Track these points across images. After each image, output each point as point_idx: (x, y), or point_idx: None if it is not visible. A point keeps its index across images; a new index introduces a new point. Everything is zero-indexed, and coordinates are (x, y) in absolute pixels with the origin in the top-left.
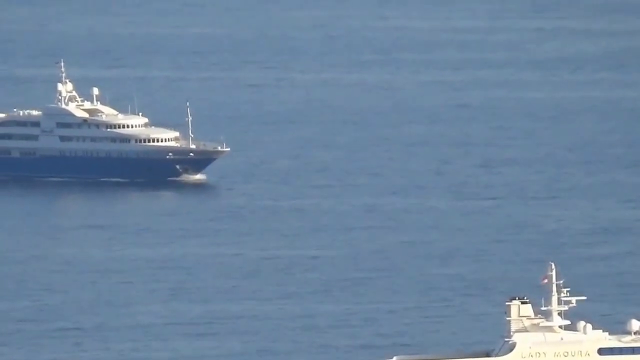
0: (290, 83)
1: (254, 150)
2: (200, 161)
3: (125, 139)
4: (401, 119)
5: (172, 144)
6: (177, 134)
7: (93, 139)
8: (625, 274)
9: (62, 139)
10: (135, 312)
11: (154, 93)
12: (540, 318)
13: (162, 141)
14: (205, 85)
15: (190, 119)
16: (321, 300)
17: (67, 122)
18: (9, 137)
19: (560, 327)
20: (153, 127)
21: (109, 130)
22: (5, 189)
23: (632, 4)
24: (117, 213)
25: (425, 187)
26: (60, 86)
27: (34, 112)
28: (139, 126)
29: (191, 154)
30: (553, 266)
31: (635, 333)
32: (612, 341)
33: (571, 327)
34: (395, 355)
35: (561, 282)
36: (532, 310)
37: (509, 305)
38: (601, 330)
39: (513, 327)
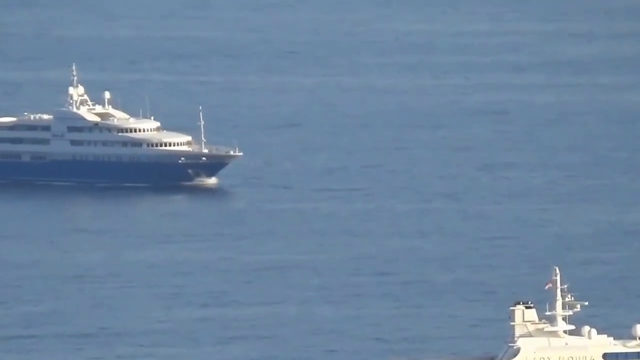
0: (292, 86)
1: (257, 154)
2: (213, 165)
3: (137, 143)
4: (403, 122)
5: (184, 148)
6: (189, 138)
7: (104, 143)
8: (630, 279)
9: (73, 143)
10: (142, 317)
11: (164, 97)
12: (544, 323)
13: (174, 145)
14: (207, 88)
15: (202, 122)
16: (321, 304)
17: (78, 126)
18: (19, 141)
19: (564, 332)
20: (165, 131)
21: (120, 134)
22: (15, 193)
23: (634, 7)
24: (128, 218)
25: (426, 190)
26: (71, 90)
27: (45, 116)
28: (150, 130)
29: (203, 158)
30: (557, 271)
31: None
32: (617, 346)
33: (576, 332)
34: None
35: (565, 286)
36: (536, 315)
37: (513, 310)
38: (606, 335)
39: (517, 332)
